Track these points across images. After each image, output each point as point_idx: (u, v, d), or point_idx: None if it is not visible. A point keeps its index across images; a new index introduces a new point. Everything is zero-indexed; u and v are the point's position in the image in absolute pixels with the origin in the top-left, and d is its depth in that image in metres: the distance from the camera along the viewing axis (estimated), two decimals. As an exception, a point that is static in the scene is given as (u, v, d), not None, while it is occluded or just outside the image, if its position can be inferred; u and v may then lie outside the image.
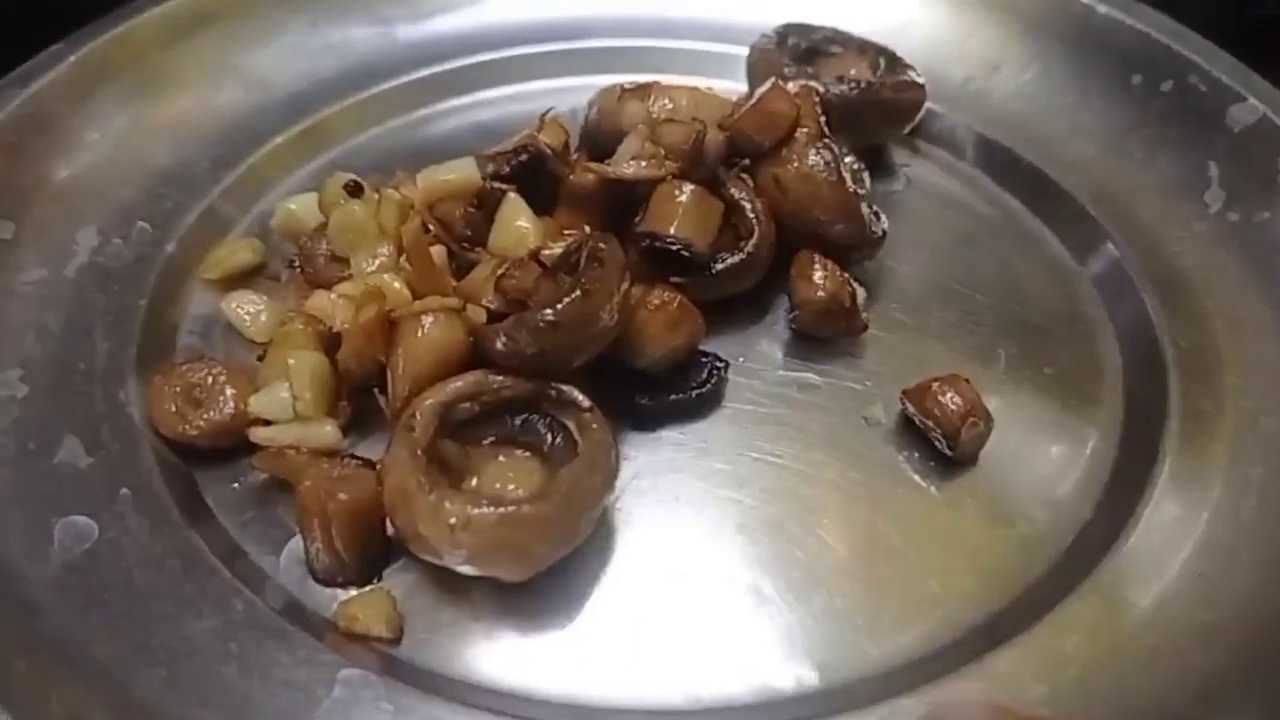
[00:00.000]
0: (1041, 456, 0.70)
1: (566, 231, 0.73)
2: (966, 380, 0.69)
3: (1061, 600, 0.61)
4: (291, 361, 0.67)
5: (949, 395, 0.68)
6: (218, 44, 0.91)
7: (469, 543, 0.57)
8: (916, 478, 0.69)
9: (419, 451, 0.59)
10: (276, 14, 0.94)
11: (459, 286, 0.69)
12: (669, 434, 0.70)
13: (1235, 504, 0.65)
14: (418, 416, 0.60)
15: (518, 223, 0.72)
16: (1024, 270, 0.82)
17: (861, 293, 0.75)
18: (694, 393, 0.71)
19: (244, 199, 0.84)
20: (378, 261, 0.72)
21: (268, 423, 0.67)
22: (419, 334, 0.65)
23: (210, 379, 0.69)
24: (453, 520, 0.56)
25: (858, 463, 0.69)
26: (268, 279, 0.78)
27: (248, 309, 0.74)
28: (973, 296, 0.80)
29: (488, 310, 0.67)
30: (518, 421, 0.64)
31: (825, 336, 0.75)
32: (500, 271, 0.67)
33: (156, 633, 0.57)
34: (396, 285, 0.69)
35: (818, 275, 0.74)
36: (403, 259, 0.71)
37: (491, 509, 0.57)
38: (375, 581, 0.63)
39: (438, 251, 0.71)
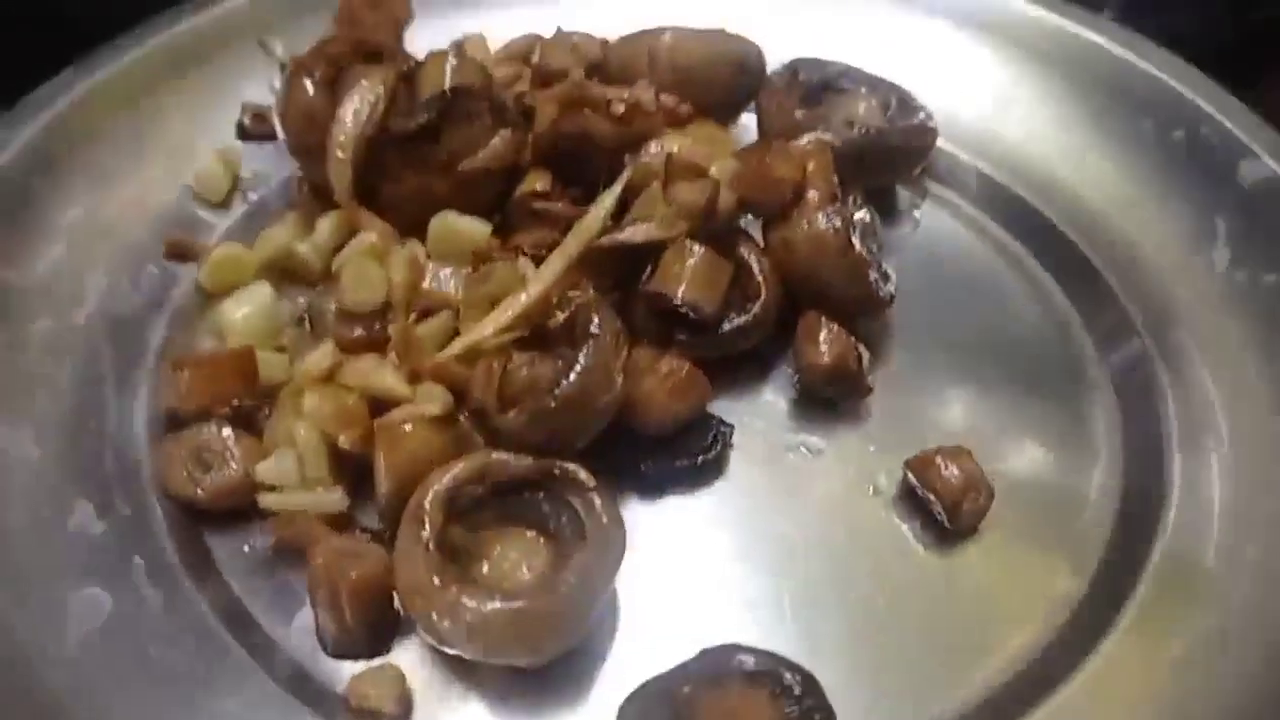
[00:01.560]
0: (1043, 525, 0.71)
1: (570, 292, 0.73)
2: (968, 452, 0.70)
3: (1064, 680, 0.63)
4: (301, 432, 0.67)
5: (950, 469, 0.69)
6: (225, 74, 0.90)
7: (485, 637, 0.58)
8: (919, 548, 0.70)
9: (430, 546, 0.60)
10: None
11: (440, 368, 0.69)
12: (674, 499, 0.71)
13: (1229, 588, 0.66)
14: (426, 508, 0.61)
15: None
16: (1028, 324, 0.83)
17: (867, 356, 0.75)
18: (699, 458, 0.71)
19: (255, 235, 0.83)
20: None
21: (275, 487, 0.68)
22: (398, 443, 0.66)
23: (218, 441, 0.69)
24: (469, 618, 0.57)
25: (860, 533, 0.70)
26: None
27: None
28: (977, 351, 0.80)
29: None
30: (523, 500, 0.65)
31: (830, 397, 0.76)
32: (499, 369, 0.67)
33: (173, 714, 0.59)
34: (389, 380, 0.69)
35: (823, 339, 0.74)
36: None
37: (507, 605, 0.58)
38: (384, 654, 0.64)
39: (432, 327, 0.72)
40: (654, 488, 0.71)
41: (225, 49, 0.91)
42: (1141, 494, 0.72)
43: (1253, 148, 0.84)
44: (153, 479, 0.69)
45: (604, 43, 0.89)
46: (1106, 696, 0.62)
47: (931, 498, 0.69)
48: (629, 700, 0.59)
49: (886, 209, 0.89)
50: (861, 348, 0.75)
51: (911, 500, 0.71)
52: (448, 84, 0.77)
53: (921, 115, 0.87)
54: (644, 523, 0.69)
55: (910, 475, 0.71)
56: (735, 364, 0.76)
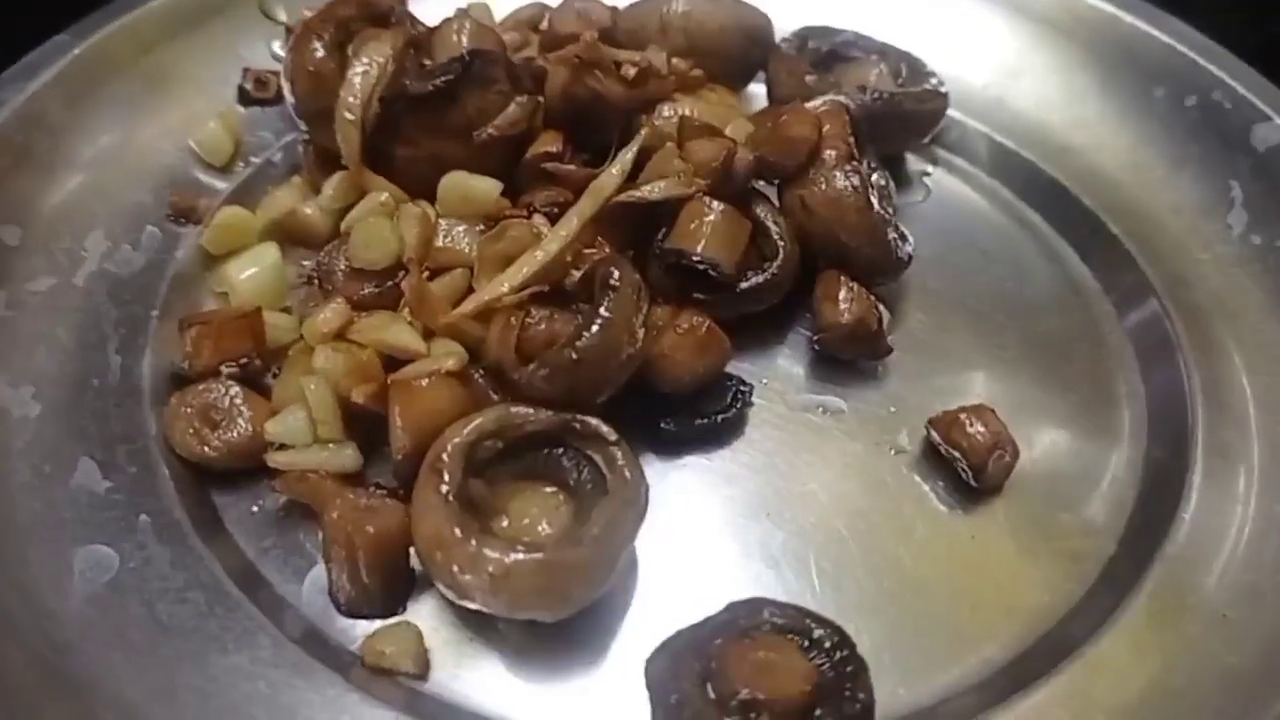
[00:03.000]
0: (1066, 487, 0.70)
1: (586, 251, 0.71)
2: (993, 410, 0.69)
3: (1088, 641, 0.61)
4: (310, 386, 0.66)
5: (976, 426, 0.68)
6: (224, 36, 0.88)
7: (509, 590, 0.56)
8: (943, 508, 0.69)
9: (450, 498, 0.58)
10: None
11: (455, 325, 0.68)
12: (693, 459, 0.70)
13: (1259, 544, 0.65)
14: (445, 460, 0.59)
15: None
16: (1045, 289, 0.82)
17: (886, 316, 0.74)
18: (718, 417, 0.70)
19: (256, 199, 0.81)
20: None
21: (285, 445, 0.66)
22: (414, 400, 0.64)
23: (227, 399, 0.67)
24: (491, 569, 0.56)
25: (884, 492, 0.69)
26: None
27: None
28: (994, 316, 0.80)
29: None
30: (543, 455, 0.63)
31: (849, 358, 0.75)
32: (517, 325, 0.66)
33: (183, 671, 0.57)
34: (403, 335, 0.68)
35: (843, 298, 0.73)
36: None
37: (531, 555, 0.56)
38: (400, 613, 0.62)
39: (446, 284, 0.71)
40: (673, 447, 0.70)
41: (226, 13, 0.90)
42: (1167, 455, 0.71)
43: (1266, 111, 0.83)
44: (159, 437, 0.67)
45: (614, 10, 0.88)
46: (1133, 655, 0.61)
47: (957, 455, 0.68)
48: (657, 652, 0.57)
49: (898, 176, 0.88)
50: (881, 307, 0.74)
51: (934, 459, 0.70)
52: (465, 48, 0.76)
53: (933, 81, 0.86)
54: (664, 482, 0.68)
55: (934, 433, 0.70)
56: (752, 326, 0.75)
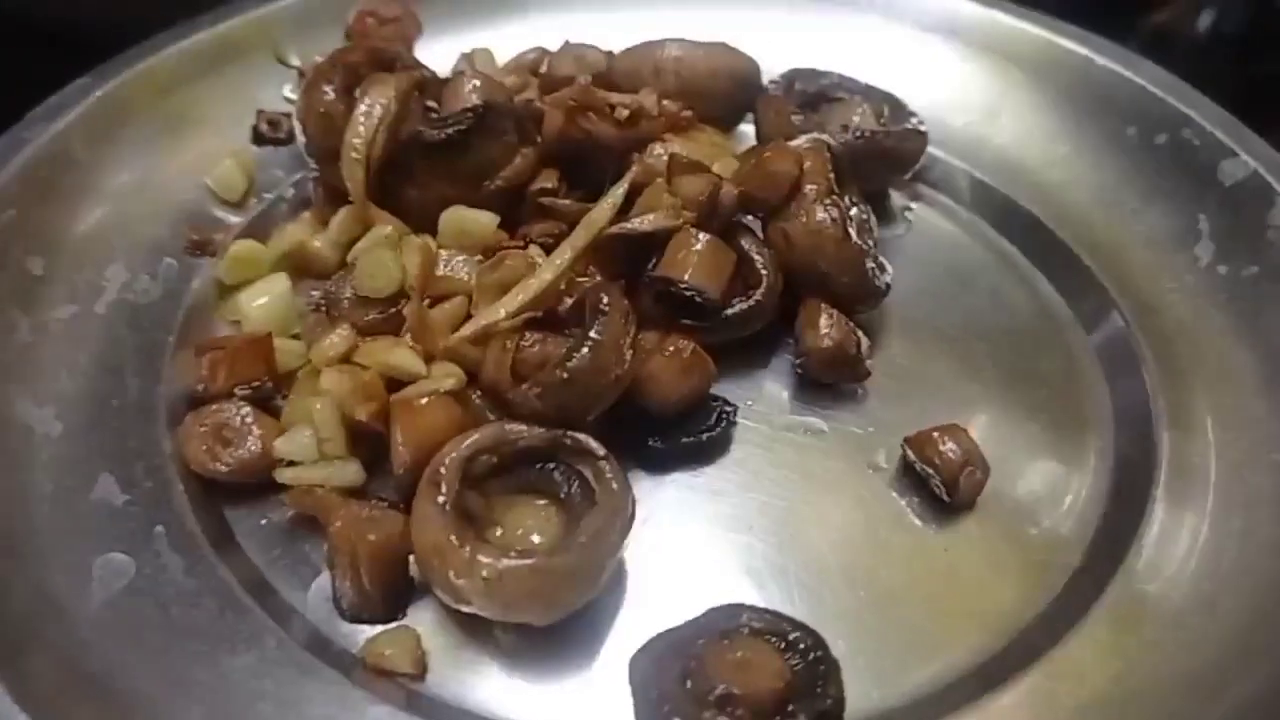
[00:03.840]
0: (1035, 503, 0.73)
1: (579, 279, 0.75)
2: (965, 430, 0.73)
3: (1053, 646, 0.64)
4: (317, 406, 0.69)
5: (948, 445, 0.71)
6: (241, 80, 0.93)
7: (502, 593, 0.60)
8: (917, 523, 0.72)
9: (448, 508, 0.62)
10: (299, 49, 0.96)
11: (453, 348, 0.72)
12: (679, 475, 0.73)
13: (1216, 556, 0.68)
14: (443, 473, 0.63)
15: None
16: (1020, 316, 0.86)
17: (865, 341, 0.78)
18: (704, 435, 0.74)
19: (268, 233, 0.86)
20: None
21: (292, 462, 0.70)
22: (414, 418, 0.68)
23: (238, 418, 0.71)
24: (485, 574, 0.59)
25: (861, 508, 0.72)
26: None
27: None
28: (970, 342, 0.83)
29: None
30: (535, 470, 0.67)
31: (830, 381, 0.78)
32: (512, 348, 0.70)
33: (194, 668, 0.60)
34: (405, 358, 0.72)
35: (824, 324, 0.77)
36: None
37: (522, 561, 0.60)
38: (400, 618, 0.65)
39: (446, 311, 0.75)
40: (661, 464, 0.73)
41: (240, 58, 0.95)
42: (1133, 473, 0.74)
43: (1233, 148, 0.87)
44: (174, 454, 0.70)
45: (609, 55, 0.93)
46: (1096, 658, 0.64)
47: (930, 473, 0.71)
48: (640, 652, 0.60)
49: (881, 212, 0.91)
50: (860, 333, 0.77)
51: (910, 477, 0.74)
52: (477, 99, 0.81)
53: (913, 120, 0.90)
54: (651, 497, 0.71)
55: (909, 452, 0.73)
56: (738, 350, 0.78)
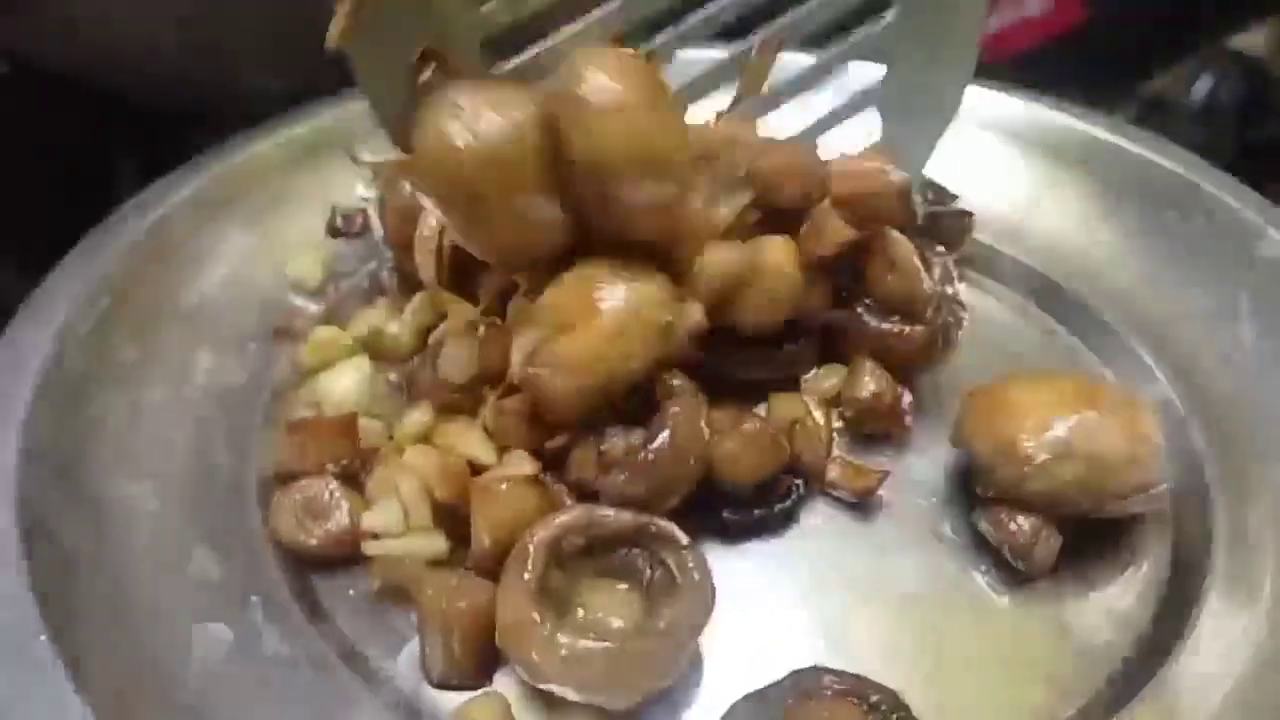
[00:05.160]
0: (1099, 575, 0.75)
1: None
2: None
3: (1122, 711, 0.66)
4: (403, 482, 0.72)
5: (1016, 517, 0.73)
6: (314, 178, 0.99)
7: (578, 674, 0.62)
8: (986, 591, 0.74)
9: (532, 585, 0.64)
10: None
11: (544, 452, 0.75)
12: (751, 545, 0.76)
13: (1277, 626, 0.70)
14: (530, 551, 0.65)
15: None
16: (1071, 393, 0.88)
17: (908, 396, 0.82)
18: (777, 508, 0.76)
19: (345, 319, 0.90)
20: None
21: (378, 535, 0.73)
22: (493, 502, 0.71)
23: (326, 494, 0.74)
24: (563, 653, 0.62)
25: (931, 575, 0.74)
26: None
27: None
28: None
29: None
30: (620, 554, 0.69)
31: (871, 432, 0.82)
32: (603, 448, 0.73)
33: (294, 733, 0.62)
34: (478, 447, 0.75)
35: (867, 375, 0.81)
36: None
37: (599, 644, 0.62)
38: (487, 685, 0.67)
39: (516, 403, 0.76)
40: (734, 535, 0.76)
41: (315, 159, 1.00)
42: (1190, 548, 0.76)
43: (1266, 228, 0.91)
44: (265, 529, 0.73)
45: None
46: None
47: (1004, 540, 0.73)
48: (727, 715, 0.62)
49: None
50: (903, 389, 0.82)
51: (978, 546, 0.76)
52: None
53: (958, 201, 0.94)
54: (725, 566, 0.72)
55: (982, 520, 0.75)
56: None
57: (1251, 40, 1.44)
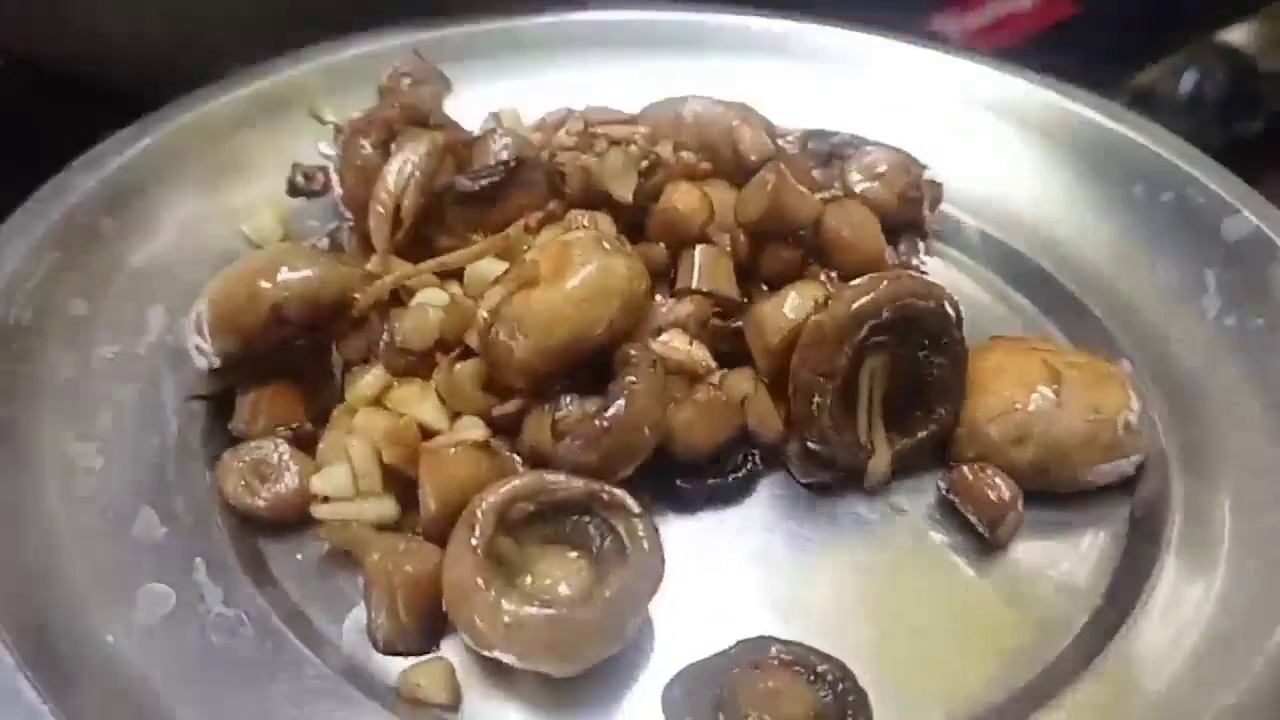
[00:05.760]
0: (1055, 547, 0.75)
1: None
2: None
3: (1074, 683, 0.66)
4: (353, 444, 0.71)
5: (997, 482, 0.73)
6: (277, 134, 0.97)
7: (520, 640, 0.61)
8: (941, 562, 0.74)
9: (479, 550, 0.63)
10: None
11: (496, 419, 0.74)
12: (705, 514, 0.75)
13: (1232, 595, 0.70)
14: (479, 515, 0.64)
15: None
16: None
17: None
18: (731, 477, 0.76)
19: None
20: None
21: (328, 498, 0.72)
22: (442, 466, 0.70)
23: (275, 456, 0.73)
24: (507, 619, 0.61)
25: (885, 546, 0.74)
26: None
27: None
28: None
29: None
30: (570, 521, 0.68)
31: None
32: (550, 409, 0.72)
33: (235, 695, 0.62)
34: (430, 413, 0.74)
35: None
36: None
37: (542, 610, 0.61)
38: (434, 650, 0.67)
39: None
40: (687, 503, 0.75)
41: (277, 114, 0.98)
42: (1149, 518, 0.76)
43: (1236, 206, 0.90)
44: (212, 490, 0.72)
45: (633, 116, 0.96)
46: (1117, 697, 0.65)
47: (973, 508, 0.73)
48: (672, 682, 0.62)
49: (895, 264, 0.94)
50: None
51: (935, 518, 0.76)
52: (507, 155, 0.85)
53: (927, 171, 0.93)
54: (677, 534, 0.72)
55: (947, 488, 0.75)
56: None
57: (1239, 35, 1.44)
